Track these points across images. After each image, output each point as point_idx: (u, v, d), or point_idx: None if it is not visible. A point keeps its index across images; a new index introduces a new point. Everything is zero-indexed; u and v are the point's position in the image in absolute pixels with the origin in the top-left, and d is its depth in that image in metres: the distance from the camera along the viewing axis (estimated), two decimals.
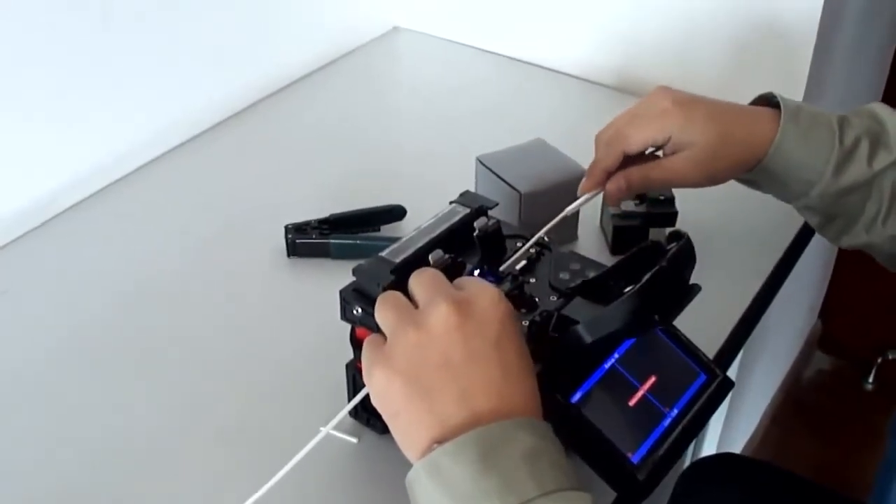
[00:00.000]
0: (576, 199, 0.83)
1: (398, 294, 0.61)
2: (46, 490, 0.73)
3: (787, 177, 0.80)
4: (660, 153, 0.82)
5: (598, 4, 1.22)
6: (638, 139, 0.80)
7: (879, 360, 2.25)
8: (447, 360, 0.55)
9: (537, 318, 0.66)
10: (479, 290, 0.58)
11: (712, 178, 0.82)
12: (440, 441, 0.54)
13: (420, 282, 0.61)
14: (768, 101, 0.83)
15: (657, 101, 0.80)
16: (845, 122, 0.80)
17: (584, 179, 0.83)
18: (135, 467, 0.75)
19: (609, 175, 0.82)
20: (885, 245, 0.81)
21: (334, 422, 0.62)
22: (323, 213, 0.97)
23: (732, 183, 0.86)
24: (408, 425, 0.56)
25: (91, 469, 0.75)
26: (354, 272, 0.67)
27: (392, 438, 0.58)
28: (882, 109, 0.81)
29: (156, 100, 1.09)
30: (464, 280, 0.61)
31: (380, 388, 0.57)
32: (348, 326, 0.69)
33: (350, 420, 0.76)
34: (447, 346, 0.56)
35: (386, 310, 0.59)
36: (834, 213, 0.81)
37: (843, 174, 0.78)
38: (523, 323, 0.66)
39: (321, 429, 0.63)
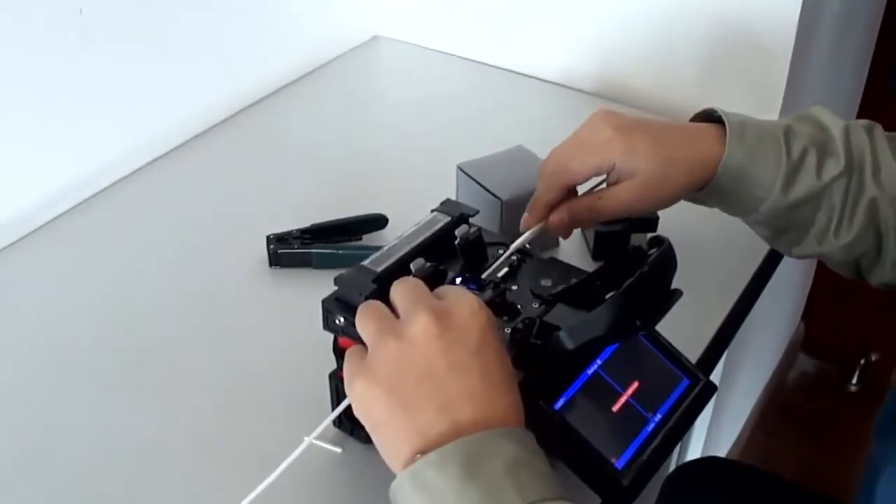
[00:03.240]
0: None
1: (379, 304, 0.61)
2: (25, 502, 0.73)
3: (735, 194, 0.78)
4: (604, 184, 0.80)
5: (578, 11, 1.22)
6: (581, 172, 0.77)
7: (863, 362, 2.26)
8: (428, 371, 0.55)
9: (519, 325, 0.66)
10: (459, 299, 0.58)
11: (661, 203, 0.79)
12: (422, 451, 0.54)
13: (401, 292, 0.61)
14: (709, 116, 0.80)
15: (599, 130, 0.77)
16: (790, 133, 0.77)
17: (525, 215, 0.80)
18: (117, 479, 0.74)
19: (552, 209, 0.79)
20: (836, 254, 0.79)
21: (317, 431, 0.62)
22: (304, 223, 0.96)
23: None
24: (390, 436, 0.56)
25: (72, 481, 0.74)
26: (336, 282, 0.67)
27: (376, 448, 0.58)
28: (825, 115, 0.79)
29: (135, 112, 1.08)
30: (444, 289, 0.61)
31: (362, 399, 0.57)
32: (331, 336, 0.69)
33: (334, 429, 0.76)
34: (428, 356, 0.56)
35: (367, 320, 0.59)
36: (784, 226, 0.80)
37: (792, 188, 0.76)
38: (505, 330, 0.66)
39: (305, 438, 0.63)
